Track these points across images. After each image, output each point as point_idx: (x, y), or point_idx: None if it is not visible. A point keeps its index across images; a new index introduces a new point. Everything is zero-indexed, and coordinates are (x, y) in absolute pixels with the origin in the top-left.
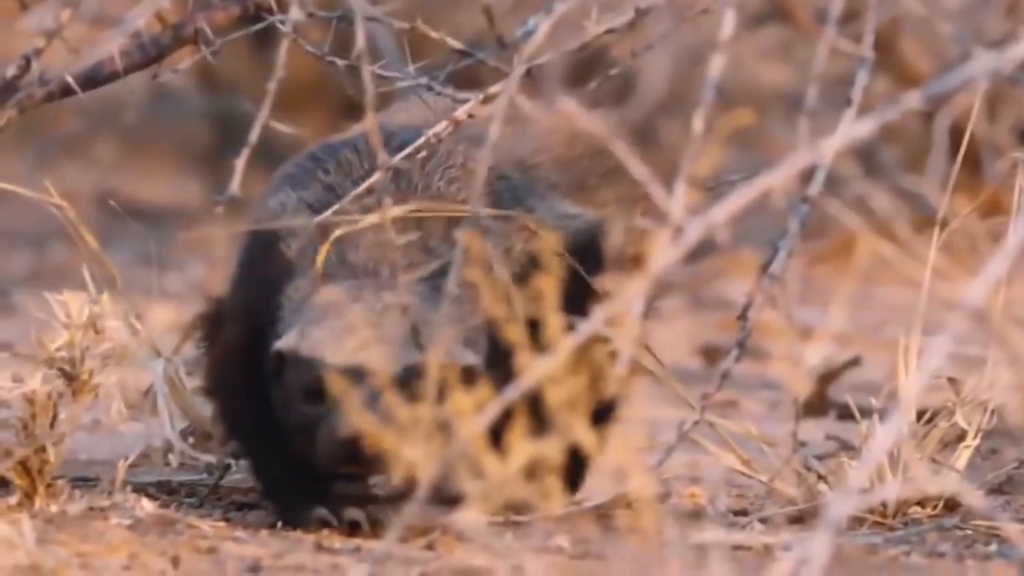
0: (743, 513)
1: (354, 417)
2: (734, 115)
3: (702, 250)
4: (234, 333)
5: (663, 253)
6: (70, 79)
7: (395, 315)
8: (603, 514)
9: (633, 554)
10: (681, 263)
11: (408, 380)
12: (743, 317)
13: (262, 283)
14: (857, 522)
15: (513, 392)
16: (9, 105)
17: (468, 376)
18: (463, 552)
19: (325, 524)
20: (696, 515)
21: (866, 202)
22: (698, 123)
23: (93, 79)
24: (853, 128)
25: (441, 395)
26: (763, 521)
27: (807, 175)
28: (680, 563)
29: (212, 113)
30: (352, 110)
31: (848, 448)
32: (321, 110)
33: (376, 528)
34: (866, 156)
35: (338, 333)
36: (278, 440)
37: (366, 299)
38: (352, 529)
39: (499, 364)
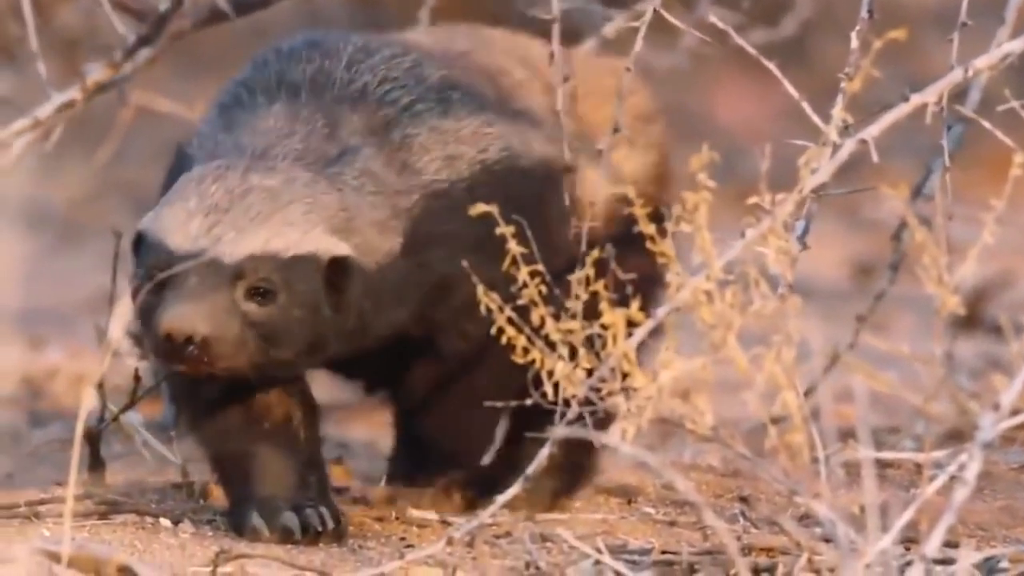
0: (894, 431)
1: (181, 310)
2: (888, 33)
3: (855, 168)
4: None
5: (817, 170)
6: (223, 4)
7: (257, 198)
8: (754, 432)
9: (783, 472)
10: (834, 181)
11: (250, 269)
12: (896, 237)
13: (167, 186)
14: (1007, 440)
15: (665, 311)
16: (164, 36)
17: (336, 267)
18: (613, 470)
19: (257, 533)
20: (847, 434)
21: (1019, 119)
22: (854, 41)
23: (246, 4)
24: (1006, 46)
25: (591, 311)
26: (914, 439)
27: (960, 93)
28: (830, 481)
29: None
30: (503, 27)
31: (1000, 366)
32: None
33: (309, 534)
34: (1019, 74)
35: (187, 215)
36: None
37: (228, 179)
38: (284, 536)
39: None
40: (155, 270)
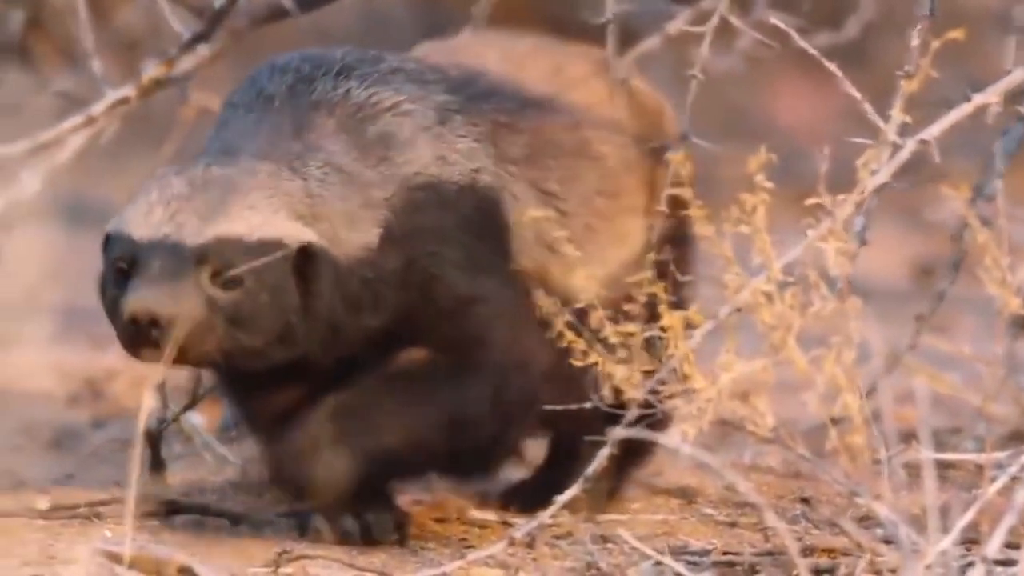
0: (956, 432)
1: (144, 293)
2: (947, 34)
3: (915, 169)
4: None
5: (878, 171)
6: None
7: (218, 186)
8: (814, 433)
9: (844, 473)
10: (895, 181)
11: (214, 253)
12: (957, 238)
13: None
14: None
15: (725, 313)
16: (220, 32)
17: (303, 255)
18: (673, 471)
19: (318, 535)
20: (908, 435)
21: None
22: (914, 41)
23: (307, 1)
24: None
25: (651, 315)
26: (975, 440)
27: (1019, 94)
28: (891, 482)
29: (425, 32)
30: (562, 29)
31: None
32: (528, 29)
33: (368, 536)
34: None
35: (148, 206)
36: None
37: (190, 173)
38: (345, 538)
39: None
40: (120, 262)
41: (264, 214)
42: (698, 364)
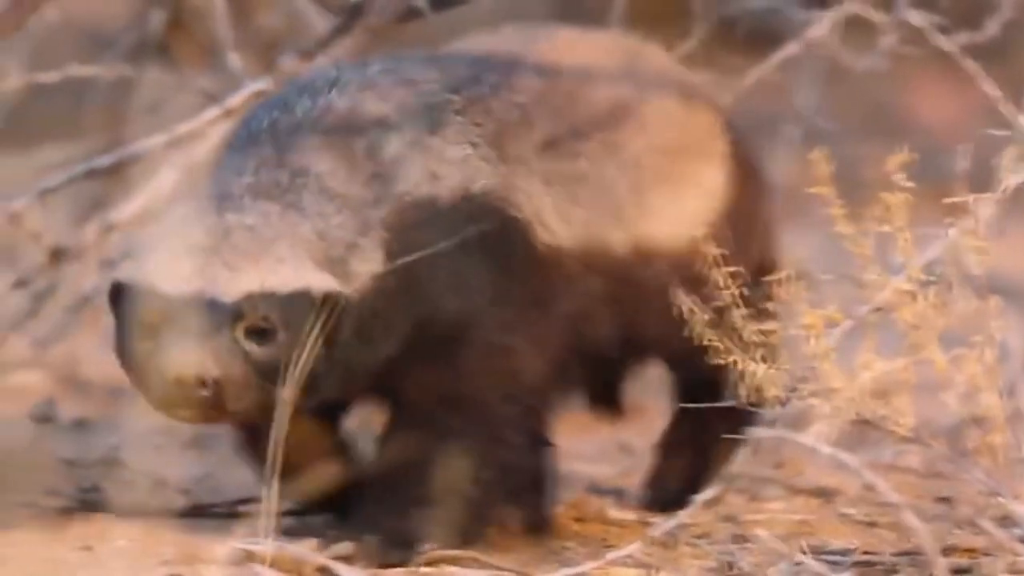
0: None
1: (188, 353)
2: None
3: None
4: None
5: (1017, 170)
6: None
7: (241, 237)
8: (954, 433)
9: (984, 473)
10: None
11: (250, 308)
12: None
13: None
14: None
15: (864, 311)
16: (358, 28)
17: (326, 303)
18: (812, 470)
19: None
20: None
21: None
22: None
23: (443, 1)
24: None
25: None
26: None
27: None
28: None
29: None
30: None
31: None
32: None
33: (509, 536)
34: None
35: (175, 257)
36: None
37: (205, 220)
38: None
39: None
40: (148, 316)
41: (291, 265)
42: (837, 363)
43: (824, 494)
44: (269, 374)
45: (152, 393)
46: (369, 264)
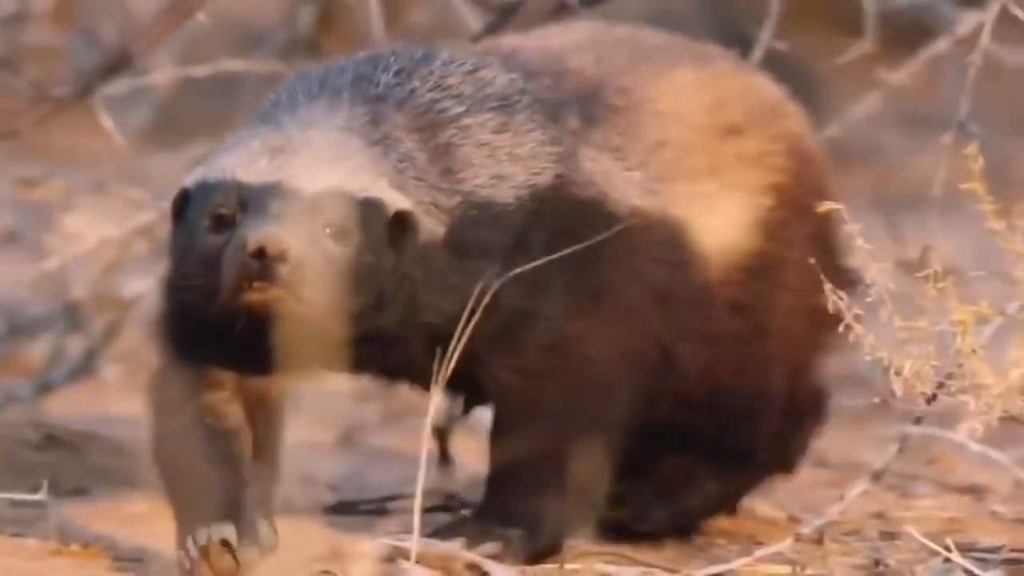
0: None
1: (270, 227)
2: None
3: None
4: None
5: None
6: None
7: (321, 144)
8: None
9: None
10: None
11: (328, 203)
12: None
13: None
14: None
15: (1015, 308)
16: (509, 25)
17: (399, 222)
18: (962, 467)
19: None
20: None
21: None
22: None
23: None
24: None
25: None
26: None
27: None
28: None
29: (712, 26)
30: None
31: None
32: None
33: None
34: None
35: (251, 155)
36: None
37: (286, 130)
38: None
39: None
40: (222, 208)
41: (368, 177)
42: (987, 360)
43: (974, 491)
44: (345, 277)
45: (226, 279)
46: (436, 228)
